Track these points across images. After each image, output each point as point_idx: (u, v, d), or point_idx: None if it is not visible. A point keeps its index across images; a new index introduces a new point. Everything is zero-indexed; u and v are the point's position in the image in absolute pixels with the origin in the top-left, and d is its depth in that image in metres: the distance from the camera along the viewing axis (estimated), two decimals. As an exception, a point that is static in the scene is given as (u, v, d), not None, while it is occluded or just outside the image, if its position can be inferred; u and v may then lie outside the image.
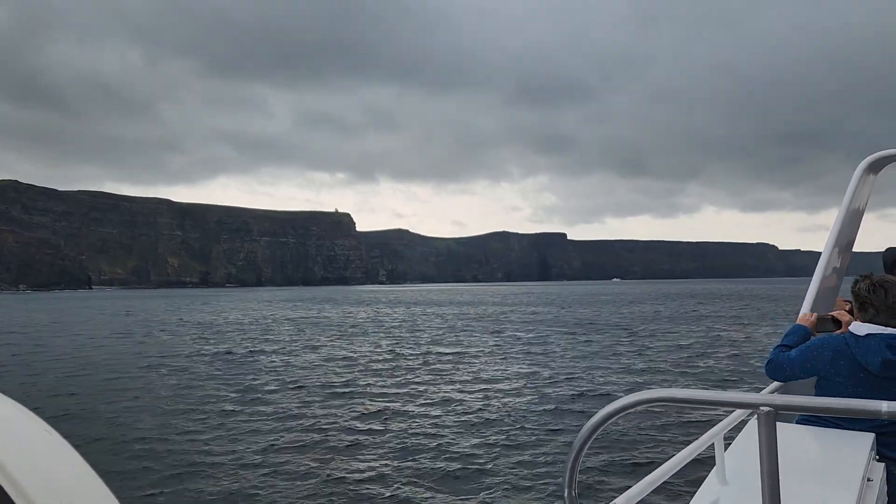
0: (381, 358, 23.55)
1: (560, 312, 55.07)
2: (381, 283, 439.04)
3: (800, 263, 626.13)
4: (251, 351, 26.72)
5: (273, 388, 17.21)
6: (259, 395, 16.06)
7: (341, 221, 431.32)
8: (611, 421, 1.52)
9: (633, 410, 1.50)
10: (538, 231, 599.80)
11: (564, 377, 18.30)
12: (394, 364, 21.72)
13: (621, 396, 1.58)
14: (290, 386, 17.52)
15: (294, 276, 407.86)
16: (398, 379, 18.46)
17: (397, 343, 29.14)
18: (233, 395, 16.21)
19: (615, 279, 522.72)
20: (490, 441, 11.07)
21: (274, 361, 23.00)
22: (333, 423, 12.76)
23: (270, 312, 62.14)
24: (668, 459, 2.04)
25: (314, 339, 31.71)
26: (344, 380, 18.44)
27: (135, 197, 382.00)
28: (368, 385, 17.43)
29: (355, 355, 24.60)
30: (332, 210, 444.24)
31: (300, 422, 12.89)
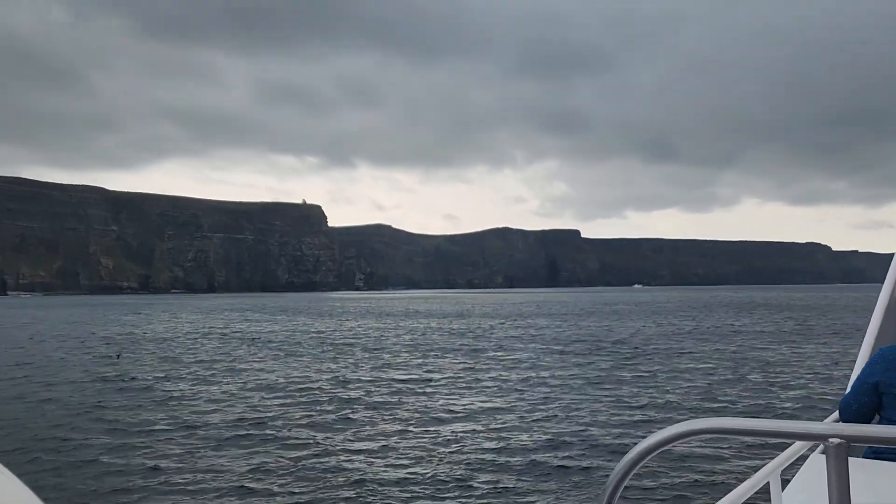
0: (314, 386, 22.09)
1: (564, 327, 54.29)
2: (358, 288, 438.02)
3: (857, 267, 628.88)
4: (154, 377, 25.02)
5: (157, 427, 15.68)
6: (130, 440, 14.39)
7: (310, 215, 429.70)
8: (650, 457, 1.51)
9: (677, 444, 1.50)
10: (546, 227, 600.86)
11: (555, 413, 16.89)
12: (327, 395, 20.25)
13: (647, 435, 1.61)
14: (178, 425, 15.86)
15: (253, 281, 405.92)
16: (326, 416, 16.99)
17: (345, 367, 27.75)
18: (99, 437, 14.60)
19: (637, 285, 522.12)
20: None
21: (175, 390, 21.40)
22: (215, 483, 11.07)
23: (206, 325, 60.90)
24: (716, 502, 2.06)
25: (240, 361, 30.20)
26: (255, 417, 16.88)
27: (60, 184, 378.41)
28: (283, 425, 15.83)
29: (282, 382, 23.13)
30: (300, 201, 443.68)
31: (170, 477, 11.29)
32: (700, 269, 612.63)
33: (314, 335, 46.60)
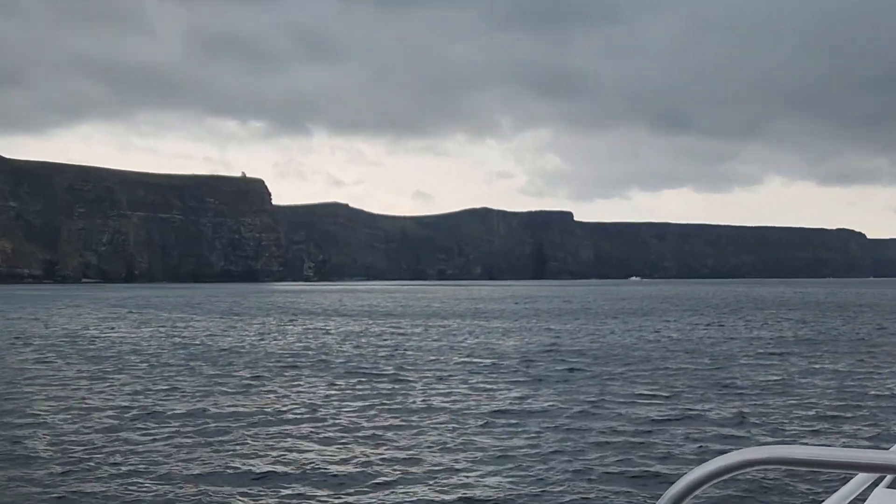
0: (129, 411, 20.62)
1: (532, 329, 53.49)
2: (308, 278, 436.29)
3: (894, 258, 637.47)
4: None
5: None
6: None
7: (251, 191, 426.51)
8: (699, 491, 1.53)
9: (730, 476, 1.52)
10: (534, 209, 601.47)
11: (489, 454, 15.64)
12: (144, 423, 18.81)
13: (690, 469, 1.63)
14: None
15: (181, 269, 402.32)
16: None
17: (204, 385, 26.35)
18: None
19: (634, 278, 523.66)
20: None
21: None
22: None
23: (71, 324, 59.38)
24: None
25: (64, 377, 28.65)
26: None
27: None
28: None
29: (98, 407, 21.63)
30: (239, 174, 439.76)
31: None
32: (710, 259, 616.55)
33: (205, 340, 45.00)
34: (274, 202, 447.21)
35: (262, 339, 47.27)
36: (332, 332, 54.20)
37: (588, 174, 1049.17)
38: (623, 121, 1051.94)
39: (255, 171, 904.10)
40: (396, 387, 26.73)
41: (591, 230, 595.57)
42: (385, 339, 47.13)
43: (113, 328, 57.82)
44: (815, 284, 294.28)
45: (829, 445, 16.83)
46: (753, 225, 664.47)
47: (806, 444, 15.41)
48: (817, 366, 32.52)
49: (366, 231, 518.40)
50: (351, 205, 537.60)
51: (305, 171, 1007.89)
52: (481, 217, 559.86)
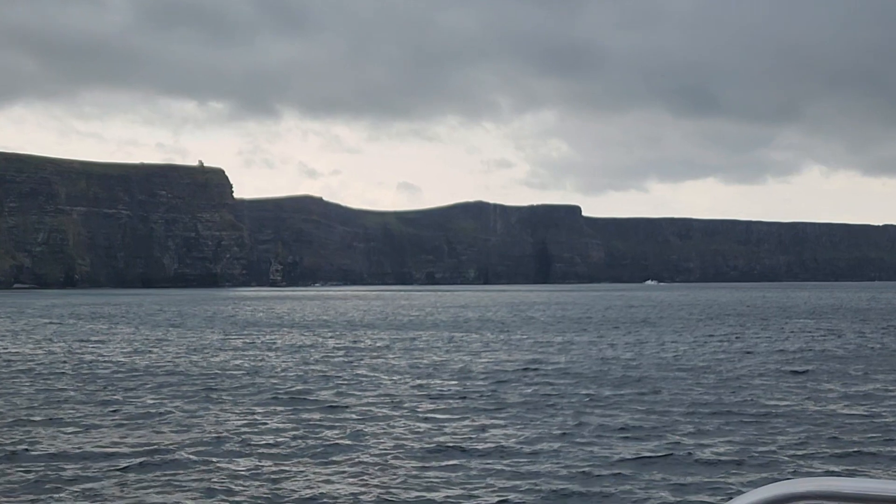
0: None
1: (515, 342, 52.01)
2: (274, 283, 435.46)
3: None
4: None
5: None
6: None
7: (210, 182, 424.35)
8: None
9: None
10: (537, 203, 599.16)
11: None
12: None
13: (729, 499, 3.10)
14: None
15: (129, 273, 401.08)
16: None
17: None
18: None
19: (650, 281, 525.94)
20: None
21: None
22: None
23: None
24: None
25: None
26: None
27: None
28: None
29: None
30: (196, 164, 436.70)
31: None
32: (740, 260, 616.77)
33: (99, 362, 43.40)
34: (236, 195, 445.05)
35: (189, 357, 45.66)
36: (279, 347, 52.72)
37: (599, 163, 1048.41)
38: (640, 101, 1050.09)
39: (214, 159, 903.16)
40: (325, 417, 25.28)
41: (603, 227, 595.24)
42: (336, 356, 45.66)
43: (7, 344, 55.99)
44: (858, 288, 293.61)
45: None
46: (789, 220, 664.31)
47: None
48: (843, 388, 31.09)
49: (343, 228, 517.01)
50: (325, 198, 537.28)
51: (273, 159, 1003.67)
52: (476, 212, 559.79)
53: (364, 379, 34.99)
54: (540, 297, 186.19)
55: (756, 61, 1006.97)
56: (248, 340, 58.71)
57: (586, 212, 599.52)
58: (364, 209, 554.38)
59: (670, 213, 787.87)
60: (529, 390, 30.97)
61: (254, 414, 25.84)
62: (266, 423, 24.09)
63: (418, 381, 33.94)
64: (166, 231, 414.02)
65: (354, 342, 56.45)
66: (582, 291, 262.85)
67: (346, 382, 33.75)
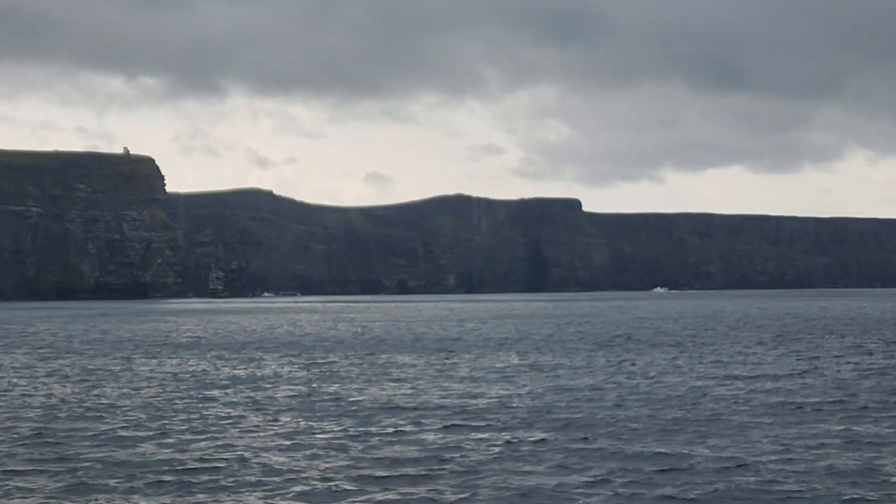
0: None
1: (457, 368, 50.00)
2: (215, 293, 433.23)
3: None
4: None
5: None
6: None
7: (137, 174, 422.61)
8: None
9: None
10: (530, 196, 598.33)
11: None
12: None
13: None
14: None
15: (40, 282, 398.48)
16: None
17: None
18: None
19: (659, 289, 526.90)
20: None
21: None
22: None
23: None
24: None
25: None
26: None
27: None
28: None
29: None
30: (121, 151, 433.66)
31: None
32: (770, 262, 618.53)
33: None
34: (171, 189, 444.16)
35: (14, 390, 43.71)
36: (134, 375, 51.50)
37: (605, 148, 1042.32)
38: (655, 75, 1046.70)
39: (146, 145, 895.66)
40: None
41: (607, 224, 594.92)
42: (199, 386, 43.86)
43: None
44: None
45: None
46: (828, 216, 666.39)
47: None
48: (842, 426, 28.99)
49: (297, 228, 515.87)
50: (276, 192, 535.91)
51: (217, 145, 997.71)
52: (456, 208, 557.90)
53: (214, 417, 32.78)
54: (522, 309, 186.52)
55: (791, 27, 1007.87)
56: (111, 367, 57.01)
57: (588, 206, 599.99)
58: (323, 205, 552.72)
59: (687, 207, 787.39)
60: (433, 437, 28.71)
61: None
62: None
63: (297, 420, 31.65)
64: (85, 232, 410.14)
65: (243, 366, 55.80)
66: (574, 301, 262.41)
67: (185, 420, 31.52)
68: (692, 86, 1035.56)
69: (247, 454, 25.40)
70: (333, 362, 57.70)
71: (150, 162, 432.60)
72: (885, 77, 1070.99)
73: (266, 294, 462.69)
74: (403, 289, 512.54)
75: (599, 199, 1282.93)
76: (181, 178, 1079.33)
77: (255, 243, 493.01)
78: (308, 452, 25.69)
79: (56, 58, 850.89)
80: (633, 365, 53.09)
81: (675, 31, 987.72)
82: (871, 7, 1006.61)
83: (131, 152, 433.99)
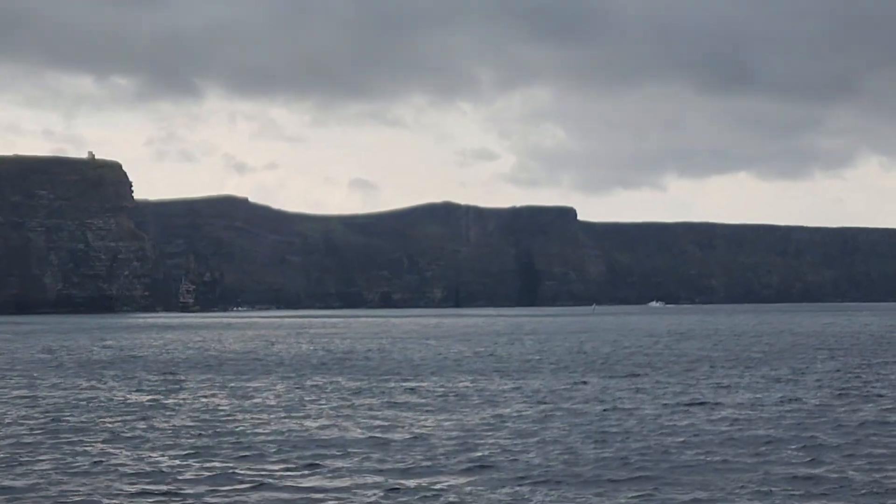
0: None
1: (410, 393, 48.16)
2: (185, 307, 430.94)
3: None
4: None
5: None
6: None
7: (104, 180, 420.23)
8: None
9: None
10: (523, 203, 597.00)
11: None
12: None
13: None
14: None
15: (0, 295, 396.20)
16: None
17: None
18: None
19: (654, 303, 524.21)
20: None
21: None
22: None
23: None
24: None
25: None
26: None
27: None
28: None
29: None
30: (86, 155, 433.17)
31: None
32: (776, 275, 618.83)
33: None
34: (142, 197, 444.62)
35: None
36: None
37: (605, 153, 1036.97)
38: (658, 75, 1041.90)
39: (117, 150, 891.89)
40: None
41: (604, 234, 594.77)
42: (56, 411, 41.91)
43: None
44: None
45: None
46: (839, 226, 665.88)
47: None
48: (800, 470, 27.18)
49: (274, 238, 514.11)
50: (253, 199, 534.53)
51: (193, 150, 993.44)
52: (443, 216, 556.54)
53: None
54: (504, 325, 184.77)
55: (802, 25, 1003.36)
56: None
57: (586, 215, 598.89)
58: (303, 213, 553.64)
59: (691, 216, 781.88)
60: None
61: None
62: None
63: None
64: (47, 242, 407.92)
65: (162, 387, 54.46)
66: (563, 317, 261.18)
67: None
68: (697, 87, 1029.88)
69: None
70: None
71: (116, 167, 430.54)
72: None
73: (238, 308, 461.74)
74: (387, 302, 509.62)
75: (598, 208, 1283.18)
76: (153, 185, 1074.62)
77: (229, 254, 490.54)
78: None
79: (21, 56, 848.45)
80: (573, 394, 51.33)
81: (680, 28, 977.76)
82: (885, 4, 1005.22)
83: (99, 157, 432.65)
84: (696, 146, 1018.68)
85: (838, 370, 61.87)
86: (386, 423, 36.37)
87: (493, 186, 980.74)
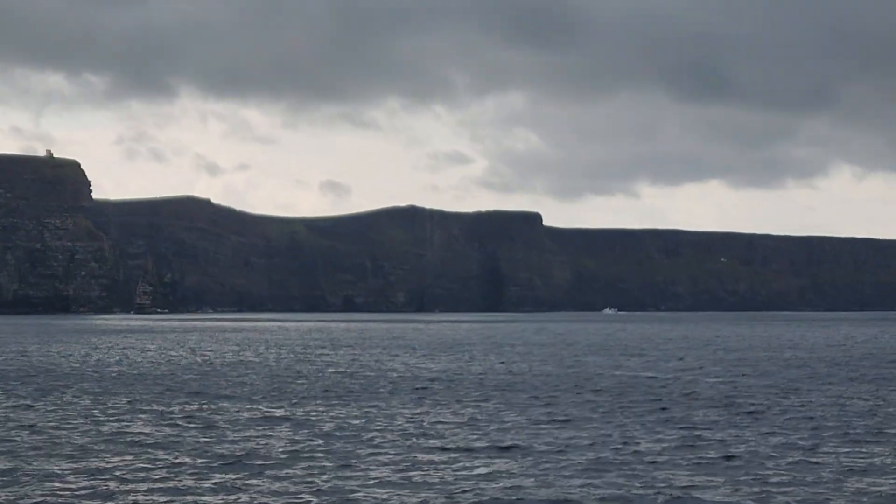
0: None
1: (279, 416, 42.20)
2: (142, 308, 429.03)
3: None
4: None
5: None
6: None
7: (62, 179, 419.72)
8: None
9: None
10: (493, 208, 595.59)
11: None
12: None
13: None
14: None
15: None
16: None
17: None
18: None
19: (608, 310, 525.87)
20: None
21: None
22: None
23: None
24: None
25: None
26: None
27: None
28: None
29: None
30: (44, 154, 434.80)
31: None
32: (742, 283, 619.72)
33: None
34: (106, 197, 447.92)
35: None
36: None
37: (578, 159, 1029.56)
38: (633, 82, 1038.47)
39: (86, 149, 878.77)
40: None
41: (569, 240, 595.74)
42: None
43: None
44: (888, 320, 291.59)
45: None
46: (804, 234, 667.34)
47: None
48: None
49: (237, 240, 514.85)
50: (222, 200, 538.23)
51: (163, 149, 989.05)
52: (408, 220, 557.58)
53: None
54: (444, 333, 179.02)
55: (779, 34, 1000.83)
56: None
57: (556, 221, 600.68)
58: (265, 215, 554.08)
59: (665, 223, 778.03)
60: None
61: None
62: None
63: None
64: (3, 241, 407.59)
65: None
66: (515, 323, 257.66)
67: None
68: (673, 95, 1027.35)
69: None
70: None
71: (75, 166, 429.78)
72: (876, 88, 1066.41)
73: (203, 309, 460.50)
74: (350, 306, 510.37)
75: (569, 214, 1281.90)
76: (129, 186, 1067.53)
77: (191, 256, 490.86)
78: None
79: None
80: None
81: (658, 35, 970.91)
82: (862, 15, 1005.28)
83: (68, 156, 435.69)
84: (670, 154, 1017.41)
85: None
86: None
87: (466, 191, 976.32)
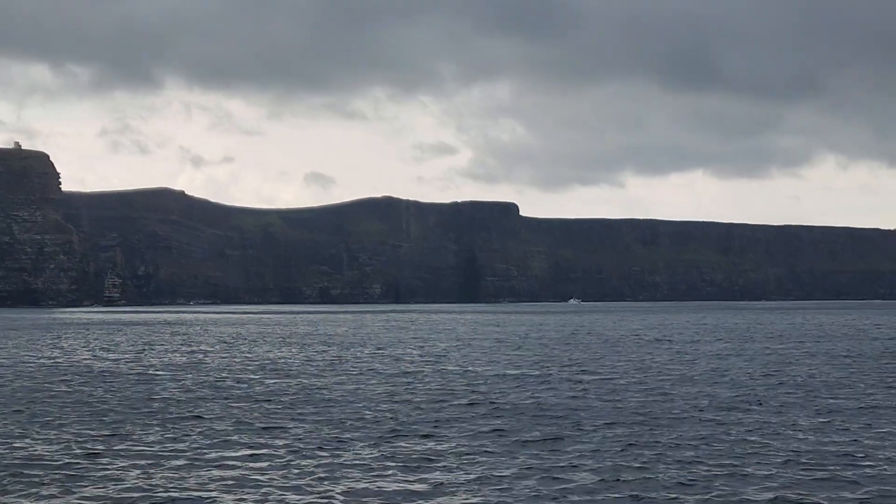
0: None
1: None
2: (111, 301, 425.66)
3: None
4: None
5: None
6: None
7: (29, 170, 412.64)
8: None
9: None
10: (464, 199, 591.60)
11: None
12: None
13: None
14: None
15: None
16: None
17: None
18: None
19: (573, 300, 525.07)
20: None
21: None
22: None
23: None
24: None
25: None
26: None
27: None
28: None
29: None
30: (12, 146, 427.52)
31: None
32: (719, 273, 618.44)
33: None
34: (89, 189, 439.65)
35: None
36: None
37: (563, 150, 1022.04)
38: (620, 72, 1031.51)
39: (72, 141, 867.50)
40: None
41: (547, 231, 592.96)
42: None
43: None
44: (863, 308, 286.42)
45: None
46: (781, 224, 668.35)
47: None
48: None
49: (211, 232, 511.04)
50: (197, 193, 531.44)
51: (147, 141, 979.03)
52: (384, 211, 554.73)
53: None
54: (426, 321, 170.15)
55: (767, 23, 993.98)
56: None
57: (536, 212, 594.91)
58: (242, 207, 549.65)
59: (648, 213, 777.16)
60: None
61: None
62: None
63: None
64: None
65: None
66: (486, 314, 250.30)
67: None
68: (660, 84, 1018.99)
69: None
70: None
71: (42, 158, 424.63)
72: (861, 77, 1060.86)
73: (178, 301, 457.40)
74: (326, 298, 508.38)
75: (554, 205, 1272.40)
76: (106, 178, 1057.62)
77: (164, 248, 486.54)
78: None
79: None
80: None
81: (645, 25, 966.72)
82: (847, 5, 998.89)
83: (21, 146, 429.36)
84: (657, 143, 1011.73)
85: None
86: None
87: (451, 182, 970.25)
